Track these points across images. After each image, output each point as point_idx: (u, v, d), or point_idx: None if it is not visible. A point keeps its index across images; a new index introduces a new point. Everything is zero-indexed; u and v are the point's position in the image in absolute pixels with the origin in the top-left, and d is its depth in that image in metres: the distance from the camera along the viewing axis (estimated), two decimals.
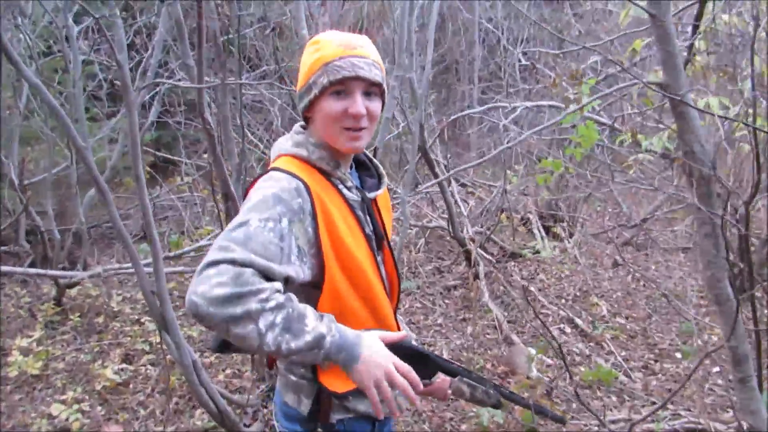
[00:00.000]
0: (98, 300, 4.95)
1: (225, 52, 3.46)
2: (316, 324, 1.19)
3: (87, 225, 5.48)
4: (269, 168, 1.39)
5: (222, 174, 2.90)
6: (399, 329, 1.47)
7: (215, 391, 2.83)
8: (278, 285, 1.19)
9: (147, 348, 4.28)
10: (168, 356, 3.66)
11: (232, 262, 1.14)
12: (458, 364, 1.53)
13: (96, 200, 5.52)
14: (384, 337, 1.31)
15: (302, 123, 1.50)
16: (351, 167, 1.52)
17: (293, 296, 1.21)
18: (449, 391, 1.45)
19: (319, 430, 1.40)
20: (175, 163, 7.68)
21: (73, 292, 4.98)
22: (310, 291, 1.33)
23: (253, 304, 1.13)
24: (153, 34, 5.55)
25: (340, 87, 1.37)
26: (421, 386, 1.31)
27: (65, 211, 5.97)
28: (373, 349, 1.25)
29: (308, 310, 1.21)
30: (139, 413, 3.58)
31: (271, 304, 1.15)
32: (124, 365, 4.07)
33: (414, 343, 1.44)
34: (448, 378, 1.43)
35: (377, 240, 1.46)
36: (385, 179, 1.56)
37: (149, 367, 4.07)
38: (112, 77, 6.10)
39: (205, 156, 6.19)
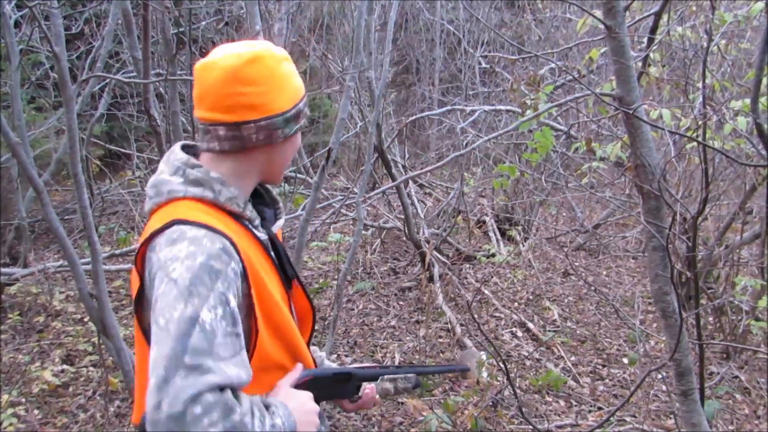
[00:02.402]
0: (39, 298, 4.75)
1: (178, 45, 3.35)
2: (271, 419, 1.08)
3: (29, 220, 5.27)
4: (161, 224, 1.13)
5: None
6: (313, 360, 1.37)
7: None
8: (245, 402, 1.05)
9: (89, 349, 4.13)
10: (109, 358, 3.54)
11: (215, 388, 0.98)
12: (375, 365, 1.53)
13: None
14: (292, 382, 1.25)
15: (183, 155, 1.23)
16: None
17: (246, 398, 1.07)
18: (377, 396, 1.43)
19: None
20: (127, 157, 7.46)
21: (12, 289, 4.77)
22: None
23: None
24: (103, 24, 5.37)
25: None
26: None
27: (6, 206, 5.73)
28: (304, 417, 1.18)
29: (257, 409, 1.07)
30: (78, 417, 3.44)
31: (253, 425, 1.03)
32: (64, 366, 3.91)
33: (331, 365, 1.47)
34: (372, 384, 1.43)
35: (287, 279, 1.33)
36: (281, 205, 1.40)
37: (91, 368, 3.93)
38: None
39: (158, 150, 6.02)
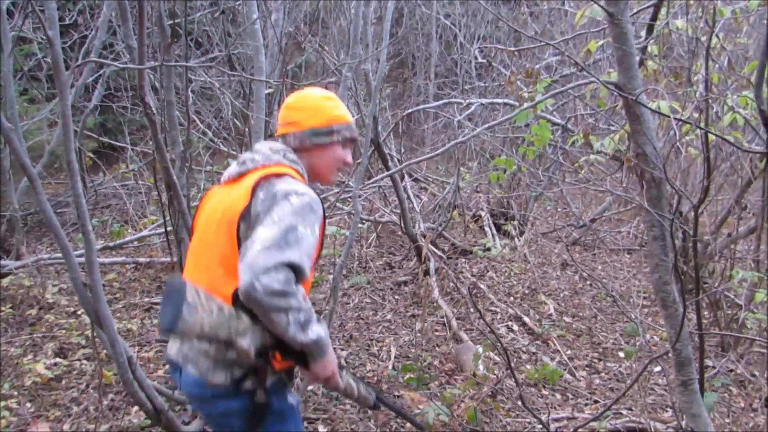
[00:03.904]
0: (32, 291, 4.71)
1: (173, 35, 3.31)
2: (317, 328, 1.62)
3: (22, 212, 5.21)
4: (280, 172, 1.72)
5: (164, 161, 2.76)
6: None
7: (152, 388, 2.70)
8: (303, 289, 1.58)
9: (83, 342, 4.09)
10: (103, 351, 3.50)
11: (290, 264, 1.52)
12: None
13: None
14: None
15: (282, 145, 1.85)
16: None
17: (309, 302, 1.60)
18: (337, 380, 1.82)
19: (259, 392, 1.70)
20: (120, 150, 7.40)
21: (4, 282, 4.72)
22: None
23: (293, 302, 1.53)
24: (97, 15, 5.32)
25: (350, 144, 1.91)
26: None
27: None
28: (330, 356, 1.72)
29: (313, 314, 1.61)
30: (71, 410, 3.40)
31: (302, 306, 1.56)
32: (57, 359, 3.87)
33: None
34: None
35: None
36: None
37: (84, 361, 3.89)
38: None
39: (152, 143, 5.98)
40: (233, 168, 1.82)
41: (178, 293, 1.65)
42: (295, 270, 1.53)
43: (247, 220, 1.65)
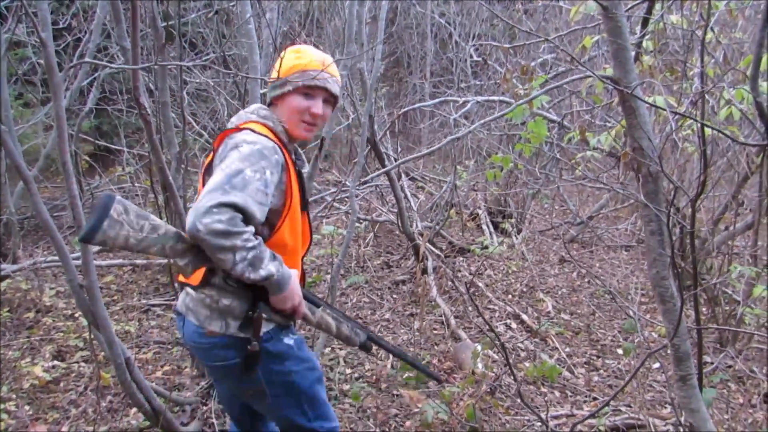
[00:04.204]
0: (29, 294, 4.69)
1: (167, 37, 3.31)
2: (269, 264, 1.67)
3: (18, 216, 5.20)
4: (239, 127, 1.81)
5: (159, 162, 2.75)
6: (302, 267, 2.05)
7: (150, 389, 2.70)
8: (252, 229, 1.64)
9: (81, 344, 4.07)
10: (101, 353, 3.49)
11: (233, 205, 1.58)
12: (340, 311, 2.05)
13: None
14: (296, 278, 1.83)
15: (258, 105, 1.94)
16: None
17: (260, 240, 1.67)
18: (309, 315, 1.92)
19: (254, 342, 1.80)
20: (116, 153, 7.38)
21: (2, 285, 4.70)
22: (271, 217, 1.81)
23: (237, 242, 1.59)
24: (91, 17, 5.30)
25: (309, 91, 1.90)
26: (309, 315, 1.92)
27: None
28: (293, 288, 1.79)
29: (266, 253, 1.68)
30: (70, 412, 3.39)
31: (248, 245, 1.61)
32: (55, 362, 3.85)
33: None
34: (312, 308, 1.93)
35: (303, 203, 1.94)
36: (304, 159, 2.08)
37: (82, 364, 3.88)
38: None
39: (147, 145, 5.96)
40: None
41: (103, 207, 1.59)
42: (242, 211, 1.60)
43: (210, 173, 1.76)
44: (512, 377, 2.67)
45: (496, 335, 2.26)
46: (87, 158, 7.05)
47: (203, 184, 1.82)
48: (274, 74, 1.93)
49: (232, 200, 1.58)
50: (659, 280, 1.96)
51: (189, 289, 1.90)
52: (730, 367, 3.99)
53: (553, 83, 3.00)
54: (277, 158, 1.75)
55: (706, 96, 2.36)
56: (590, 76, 2.18)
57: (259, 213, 1.65)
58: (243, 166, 1.65)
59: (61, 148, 2.11)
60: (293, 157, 1.93)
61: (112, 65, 2.49)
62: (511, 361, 3.78)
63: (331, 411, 2.10)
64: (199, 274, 1.81)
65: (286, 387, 1.95)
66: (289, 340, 1.94)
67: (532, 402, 3.58)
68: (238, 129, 1.81)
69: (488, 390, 3.39)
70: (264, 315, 1.82)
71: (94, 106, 6.12)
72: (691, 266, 2.11)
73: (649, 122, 1.83)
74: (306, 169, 2.05)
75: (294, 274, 1.80)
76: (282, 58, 1.94)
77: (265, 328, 1.86)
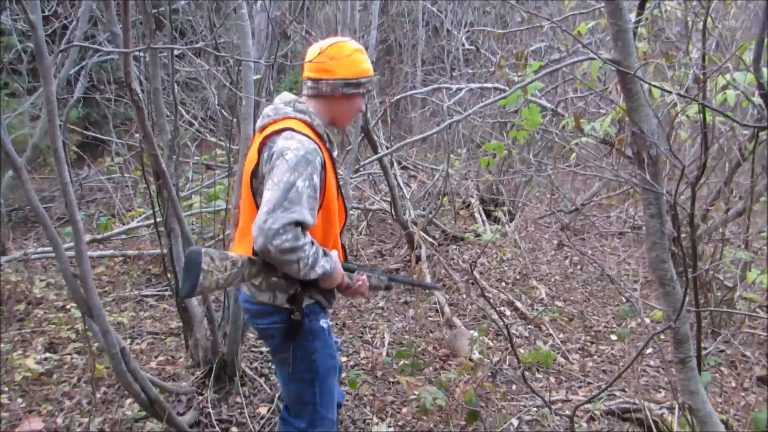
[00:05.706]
0: (19, 286, 4.64)
1: (157, 24, 3.26)
2: (323, 262, 1.92)
3: (7, 208, 5.13)
4: (282, 128, 1.94)
5: (153, 149, 2.71)
6: (343, 243, 2.24)
7: (146, 379, 2.67)
8: (310, 237, 1.88)
9: (73, 336, 4.04)
10: (95, 344, 3.46)
11: (295, 222, 1.80)
12: (356, 264, 2.31)
13: (16, 180, 5.15)
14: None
15: (293, 96, 2.07)
16: None
17: (314, 243, 1.90)
18: (367, 283, 2.18)
19: (296, 312, 2.03)
20: (105, 143, 7.30)
21: None
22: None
23: (302, 254, 1.83)
24: (78, 4, 5.21)
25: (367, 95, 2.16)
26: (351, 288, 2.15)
27: None
28: (336, 274, 2.01)
29: (319, 252, 1.91)
30: (63, 404, 3.36)
31: (309, 252, 1.85)
32: (47, 354, 3.82)
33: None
34: (364, 276, 2.17)
35: (337, 185, 2.11)
36: (335, 146, 2.20)
37: (75, 355, 3.84)
38: (31, 48, 5.69)
39: (137, 135, 5.89)
40: (260, 121, 2.09)
41: (196, 264, 1.79)
42: (301, 224, 1.82)
43: (257, 177, 1.96)
44: (516, 360, 2.69)
45: (500, 315, 2.27)
46: (75, 149, 6.97)
47: (250, 187, 2.00)
48: (348, 71, 2.03)
49: (295, 218, 1.79)
50: (659, 263, 1.96)
51: None
52: (722, 351, 4.02)
53: (551, 67, 2.98)
54: (319, 159, 1.90)
55: (708, 77, 2.34)
56: (590, 59, 2.16)
57: (313, 218, 1.86)
58: (294, 177, 1.81)
59: (51, 133, 2.07)
60: (327, 145, 2.08)
61: (104, 49, 2.44)
62: (510, 347, 3.78)
63: (334, 403, 2.25)
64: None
65: (308, 363, 2.12)
66: (324, 323, 2.15)
67: (534, 389, 3.59)
68: (278, 132, 1.93)
69: (489, 375, 3.39)
70: (308, 294, 2.06)
71: (82, 96, 6.03)
72: (690, 248, 2.11)
73: (650, 105, 1.82)
74: (335, 153, 2.20)
75: (336, 257, 2.02)
76: (348, 55, 2.04)
77: (306, 302, 2.08)
